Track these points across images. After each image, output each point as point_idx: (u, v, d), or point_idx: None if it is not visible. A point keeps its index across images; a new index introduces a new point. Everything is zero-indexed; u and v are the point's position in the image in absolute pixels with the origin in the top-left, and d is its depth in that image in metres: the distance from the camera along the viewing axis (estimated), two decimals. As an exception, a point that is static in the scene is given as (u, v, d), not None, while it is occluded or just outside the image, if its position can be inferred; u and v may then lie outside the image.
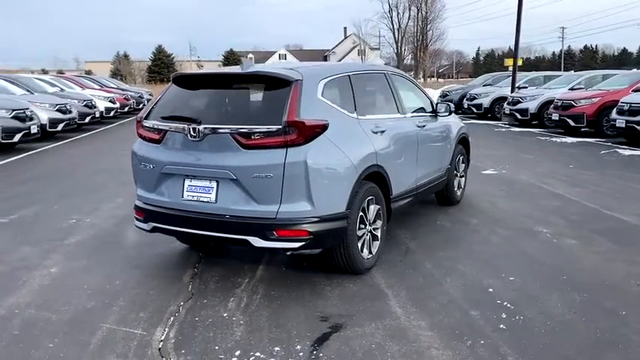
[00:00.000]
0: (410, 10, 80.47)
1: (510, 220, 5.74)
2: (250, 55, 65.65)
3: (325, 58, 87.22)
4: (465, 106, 19.98)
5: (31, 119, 11.63)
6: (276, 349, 3.13)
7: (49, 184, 8.02)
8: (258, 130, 3.62)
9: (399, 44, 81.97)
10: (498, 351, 3.04)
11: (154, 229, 4.10)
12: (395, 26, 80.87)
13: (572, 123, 13.40)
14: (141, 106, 22.53)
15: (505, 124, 17.15)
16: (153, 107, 4.17)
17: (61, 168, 9.62)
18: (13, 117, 10.98)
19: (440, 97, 22.87)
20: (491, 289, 3.92)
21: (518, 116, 16.17)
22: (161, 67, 62.93)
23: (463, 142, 6.53)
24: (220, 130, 3.69)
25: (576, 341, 3.15)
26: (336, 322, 3.44)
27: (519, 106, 16.24)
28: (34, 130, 11.58)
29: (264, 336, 3.28)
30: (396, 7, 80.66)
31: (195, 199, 3.84)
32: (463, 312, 3.56)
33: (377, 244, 4.37)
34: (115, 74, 55.85)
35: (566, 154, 10.49)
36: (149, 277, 4.28)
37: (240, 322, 3.47)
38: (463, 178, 6.61)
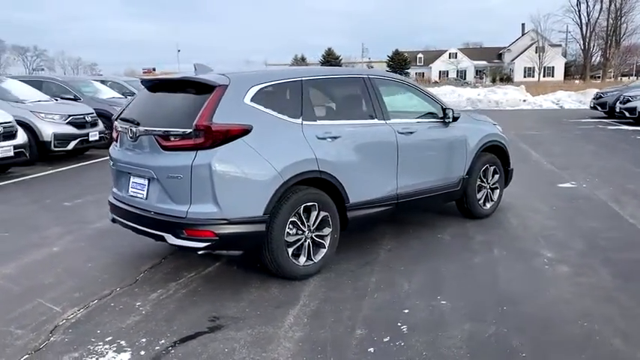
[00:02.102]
0: (602, 2, 73.05)
1: (522, 240, 5.14)
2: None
3: (500, 56, 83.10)
4: (617, 109, 17.63)
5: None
6: (142, 340, 3.31)
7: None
8: (173, 132, 3.83)
9: (587, 40, 74.75)
10: (333, 374, 2.88)
11: (113, 221, 4.54)
12: (583, 20, 74.14)
13: None
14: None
15: (658, 131, 14.84)
16: (124, 109, 4.60)
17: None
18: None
19: (593, 98, 20.56)
20: (407, 310, 3.64)
21: (672, 122, 13.89)
22: (329, 68, 65.41)
23: (495, 150, 5.96)
24: (147, 132, 3.98)
25: (428, 377, 2.84)
26: (219, 324, 3.51)
27: (674, 110, 13.93)
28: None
29: (146, 327, 3.48)
30: (586, 0, 73.77)
31: (135, 195, 4.18)
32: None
33: (323, 251, 4.29)
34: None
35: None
36: (117, 263, 4.73)
37: (142, 312, 3.72)
38: (497, 191, 6.04)
